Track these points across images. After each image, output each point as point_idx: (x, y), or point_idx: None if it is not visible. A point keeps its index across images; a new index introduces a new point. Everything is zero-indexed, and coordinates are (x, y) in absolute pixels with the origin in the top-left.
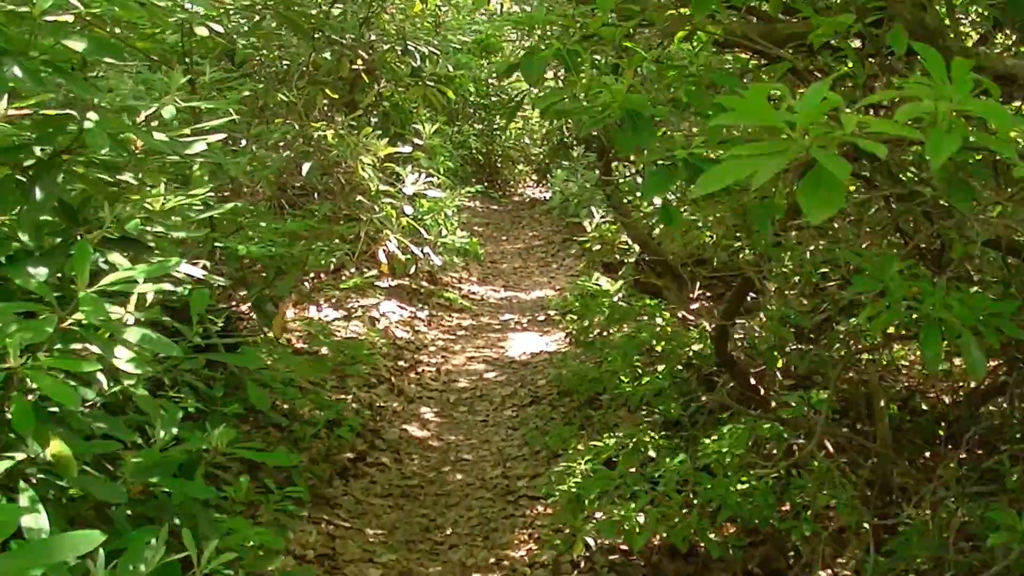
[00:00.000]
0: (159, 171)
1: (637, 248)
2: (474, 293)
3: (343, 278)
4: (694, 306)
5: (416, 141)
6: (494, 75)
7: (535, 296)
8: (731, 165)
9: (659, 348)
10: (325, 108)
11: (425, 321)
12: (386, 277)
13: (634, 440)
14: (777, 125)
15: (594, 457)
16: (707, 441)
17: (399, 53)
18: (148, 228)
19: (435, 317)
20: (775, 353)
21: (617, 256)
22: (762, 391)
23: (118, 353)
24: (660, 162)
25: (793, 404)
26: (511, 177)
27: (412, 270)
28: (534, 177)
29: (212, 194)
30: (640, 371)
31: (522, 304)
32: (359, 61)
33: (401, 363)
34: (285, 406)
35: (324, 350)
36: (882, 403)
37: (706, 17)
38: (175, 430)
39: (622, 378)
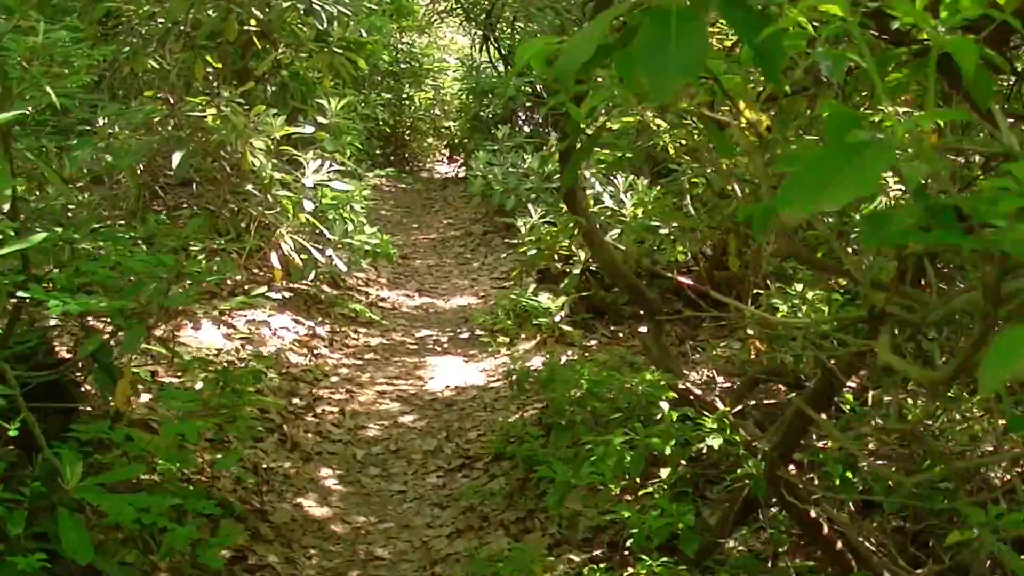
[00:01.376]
0: None
1: (582, 256)
2: (384, 300)
3: (225, 288)
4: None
5: (319, 119)
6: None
7: (455, 304)
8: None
9: (665, 449)
10: (210, 78)
11: (326, 340)
12: (278, 286)
13: None
14: None
15: None
16: None
17: (301, 12)
18: None
19: (338, 334)
20: (849, 475)
21: (557, 263)
22: (824, 528)
23: None
24: None
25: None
26: (419, 152)
27: (311, 276)
28: (445, 152)
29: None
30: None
31: (441, 315)
32: (252, 21)
33: (296, 401)
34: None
35: (199, 385)
36: None
37: None
38: None
39: (610, 487)
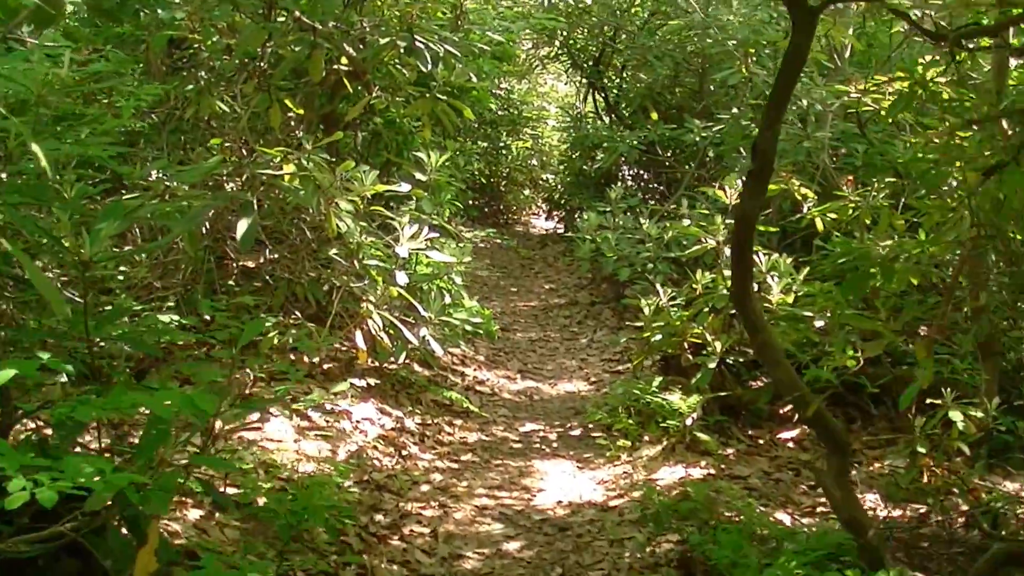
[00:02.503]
0: None
1: (718, 346)
2: (482, 383)
3: (301, 365)
4: None
5: (416, 174)
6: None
7: (563, 390)
8: None
9: None
10: (291, 124)
11: (416, 435)
12: (362, 367)
13: None
14: None
15: None
16: None
17: (401, 51)
18: None
19: (430, 427)
20: None
21: (687, 353)
22: None
23: None
24: None
25: None
26: (515, 204)
27: (402, 359)
28: (541, 205)
29: None
30: None
31: (547, 404)
32: (343, 59)
33: (379, 518)
34: None
35: (261, 500)
36: None
37: None
38: None
39: None
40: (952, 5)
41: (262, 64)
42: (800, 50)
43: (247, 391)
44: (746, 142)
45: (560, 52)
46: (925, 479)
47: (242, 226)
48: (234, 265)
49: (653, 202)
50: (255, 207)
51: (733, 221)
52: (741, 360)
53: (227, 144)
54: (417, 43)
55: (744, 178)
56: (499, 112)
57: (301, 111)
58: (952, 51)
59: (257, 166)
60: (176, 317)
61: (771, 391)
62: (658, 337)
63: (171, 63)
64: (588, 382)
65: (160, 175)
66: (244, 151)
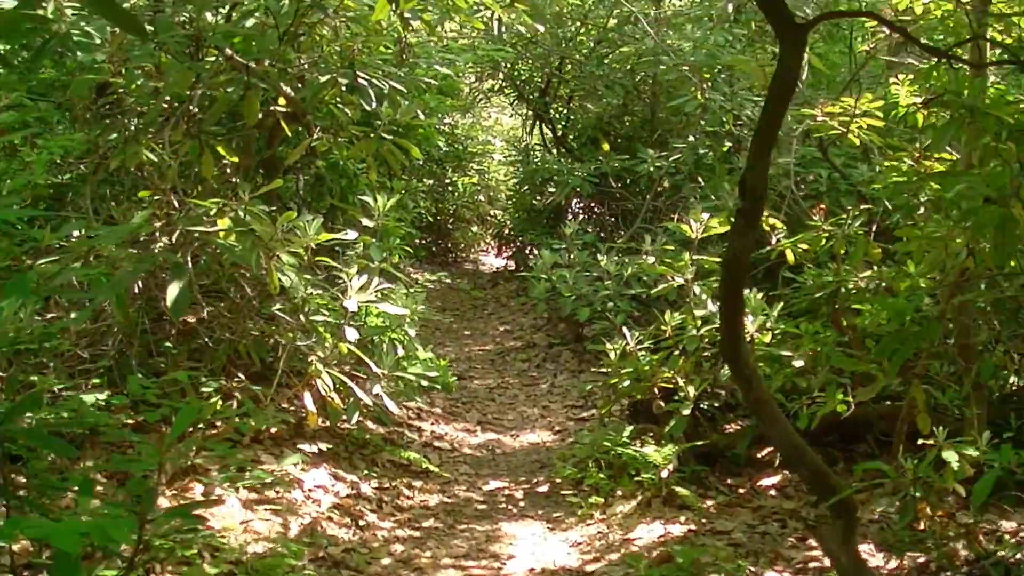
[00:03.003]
0: None
1: (691, 391)
2: (440, 437)
3: (247, 429)
4: None
5: (363, 220)
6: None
7: (526, 441)
8: None
9: None
10: (228, 172)
11: (374, 501)
12: (312, 430)
13: None
14: None
15: None
16: None
17: (343, 89)
18: None
19: (387, 491)
20: None
21: (658, 399)
22: None
23: None
24: None
25: None
26: (463, 240)
27: (355, 419)
28: (490, 242)
29: None
30: None
31: (510, 458)
32: (280, 100)
33: None
34: None
35: None
36: None
37: None
38: None
39: None
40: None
41: (192, 107)
42: (791, 72)
43: (188, 462)
44: (707, 174)
45: (504, 84)
46: (921, 525)
47: (172, 291)
48: (169, 325)
49: (604, 235)
50: (188, 267)
51: (721, 264)
52: (716, 404)
53: (156, 197)
54: (360, 80)
55: (733, 217)
56: (444, 149)
57: (236, 158)
58: (952, 65)
59: (189, 220)
60: (102, 397)
61: (750, 436)
62: (626, 383)
63: (96, 109)
64: (552, 431)
65: (83, 234)
66: (175, 204)
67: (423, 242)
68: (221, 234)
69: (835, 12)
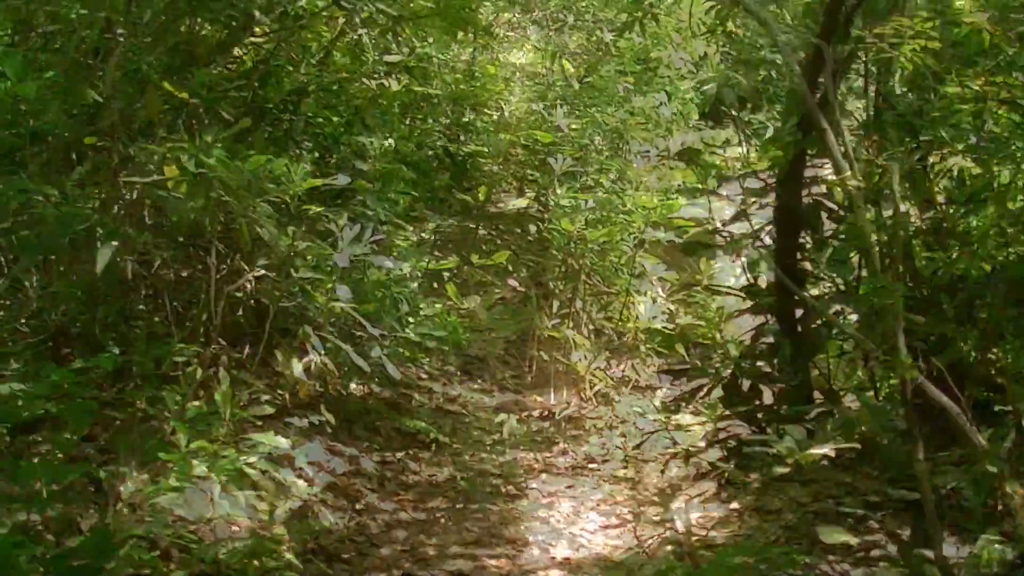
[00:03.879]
0: None
1: (732, 350)
2: (453, 400)
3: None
4: None
5: (358, 164)
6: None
7: (549, 400)
8: None
9: None
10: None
11: (374, 479)
12: (305, 400)
13: None
14: None
15: None
16: None
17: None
18: None
19: (391, 465)
20: None
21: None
22: None
23: None
24: None
25: None
26: (483, 180)
27: (351, 387)
28: (513, 183)
29: None
30: None
31: (530, 420)
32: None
33: None
34: None
35: None
36: None
37: None
38: None
39: None
40: None
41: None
42: None
43: (166, 439)
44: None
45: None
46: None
47: (103, 256)
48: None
49: None
50: (119, 234)
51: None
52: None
53: (98, 143)
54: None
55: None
56: (460, 87)
57: (185, 95)
58: None
59: (134, 170)
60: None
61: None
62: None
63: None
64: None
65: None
66: (116, 153)
67: (439, 184)
68: (170, 184)
69: None
